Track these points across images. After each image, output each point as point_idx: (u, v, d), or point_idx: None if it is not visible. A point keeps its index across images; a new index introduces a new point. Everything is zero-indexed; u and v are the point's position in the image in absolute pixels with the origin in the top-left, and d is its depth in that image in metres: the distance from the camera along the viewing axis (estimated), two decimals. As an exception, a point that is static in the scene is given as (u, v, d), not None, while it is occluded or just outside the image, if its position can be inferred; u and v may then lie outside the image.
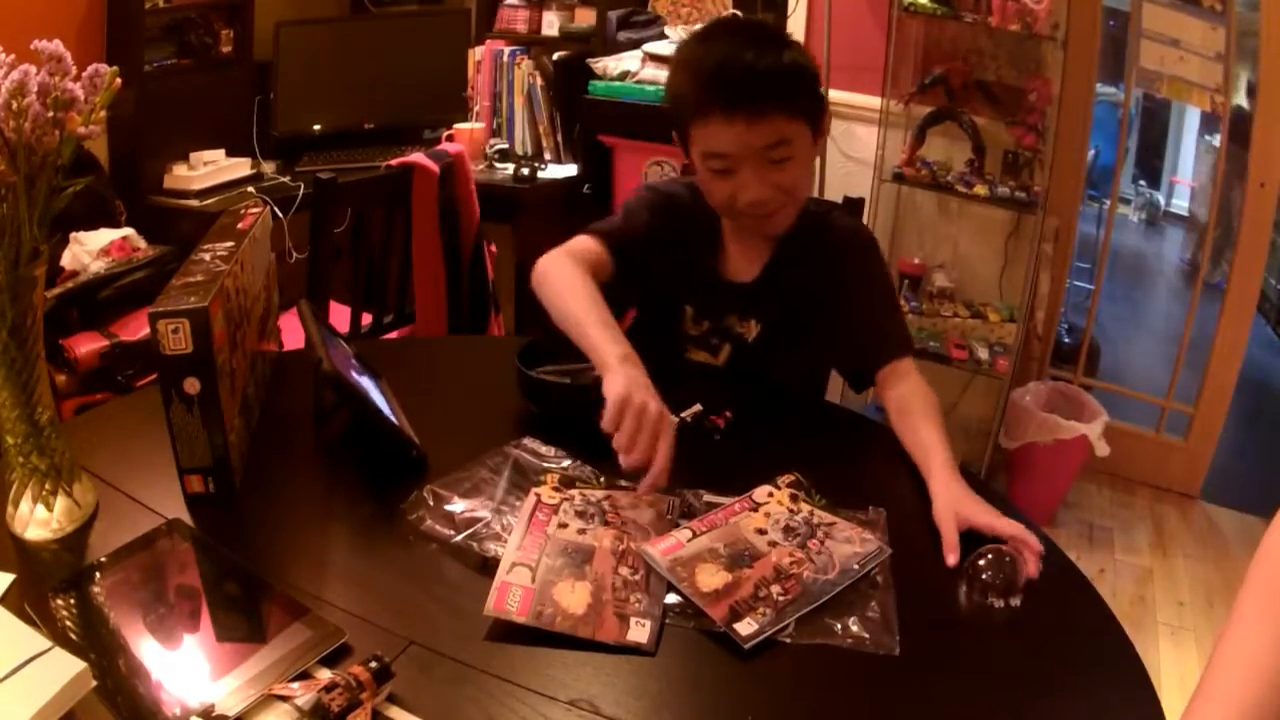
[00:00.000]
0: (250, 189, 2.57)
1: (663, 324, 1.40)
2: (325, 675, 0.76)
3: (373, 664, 0.76)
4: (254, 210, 1.24)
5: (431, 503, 0.99)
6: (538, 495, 1.00)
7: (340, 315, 2.23)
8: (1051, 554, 0.97)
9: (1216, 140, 2.70)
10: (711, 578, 0.90)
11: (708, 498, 1.03)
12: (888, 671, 0.82)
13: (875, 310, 1.32)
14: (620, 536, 0.95)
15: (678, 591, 0.89)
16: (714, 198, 1.27)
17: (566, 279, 1.23)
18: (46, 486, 0.94)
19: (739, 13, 2.81)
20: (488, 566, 0.92)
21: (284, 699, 0.73)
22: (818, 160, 2.83)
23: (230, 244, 1.11)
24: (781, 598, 0.88)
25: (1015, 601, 0.91)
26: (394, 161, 2.31)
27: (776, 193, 1.22)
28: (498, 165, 2.90)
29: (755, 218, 1.26)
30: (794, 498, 1.02)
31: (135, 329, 2.19)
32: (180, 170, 2.57)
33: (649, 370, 1.08)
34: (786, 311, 1.35)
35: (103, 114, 0.89)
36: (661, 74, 2.55)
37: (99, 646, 0.80)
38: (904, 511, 1.03)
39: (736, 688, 0.81)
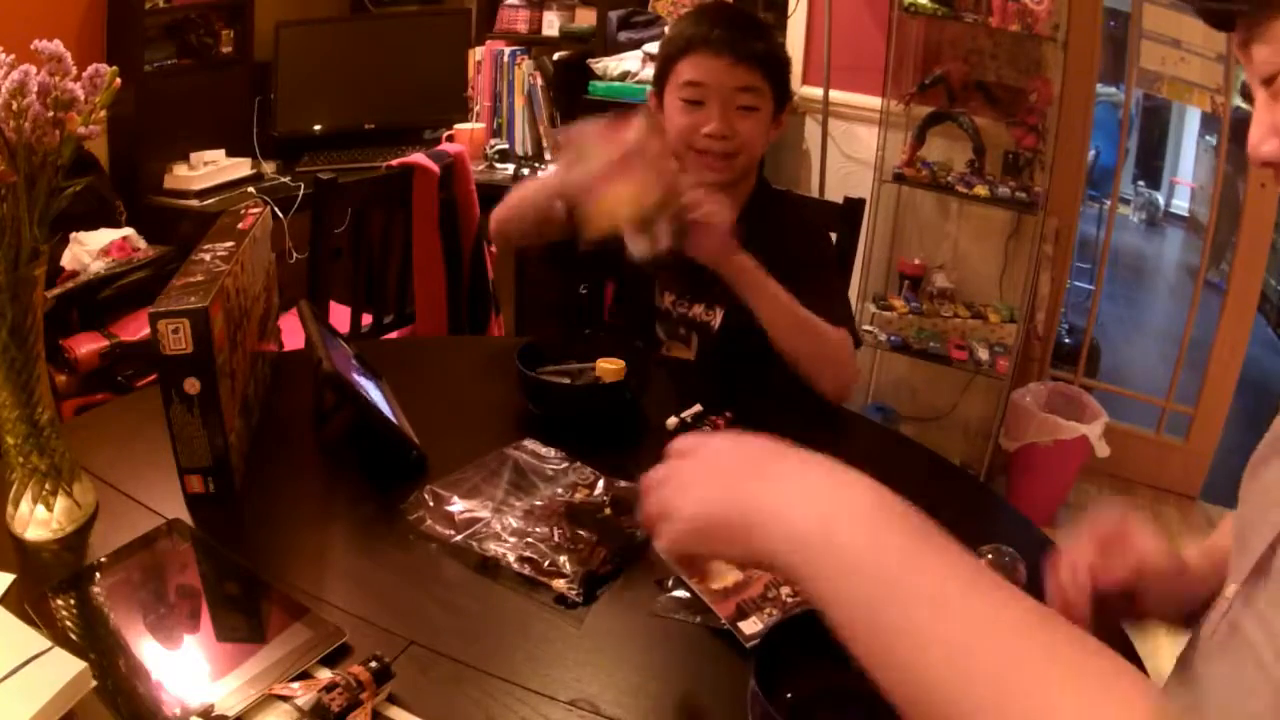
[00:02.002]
0: (250, 189, 2.57)
1: (639, 298, 1.47)
2: (325, 675, 0.76)
3: (373, 664, 0.76)
4: (254, 210, 1.24)
5: (431, 503, 0.99)
6: None
7: (340, 315, 2.23)
8: (1051, 554, 0.97)
9: (1217, 140, 2.71)
10: (723, 576, 0.90)
11: None
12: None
13: (811, 290, 1.34)
14: None
15: (687, 588, 0.89)
16: (678, 129, 1.37)
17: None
18: (46, 486, 0.94)
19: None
20: (487, 566, 0.92)
21: (284, 699, 0.73)
22: (818, 160, 2.84)
23: (230, 244, 1.11)
24: (790, 599, 0.88)
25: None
26: (394, 161, 2.31)
27: (735, 132, 1.34)
28: (498, 165, 2.90)
29: (706, 157, 1.36)
30: None
31: (135, 329, 2.19)
32: (180, 170, 2.57)
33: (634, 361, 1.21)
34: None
35: (103, 114, 0.89)
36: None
37: (99, 646, 0.80)
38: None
39: (738, 688, 0.81)
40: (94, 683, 0.74)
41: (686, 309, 1.43)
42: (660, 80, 1.40)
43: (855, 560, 0.52)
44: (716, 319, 1.40)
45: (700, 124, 1.33)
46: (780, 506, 0.56)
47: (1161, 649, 2.13)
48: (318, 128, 2.90)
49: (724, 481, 0.60)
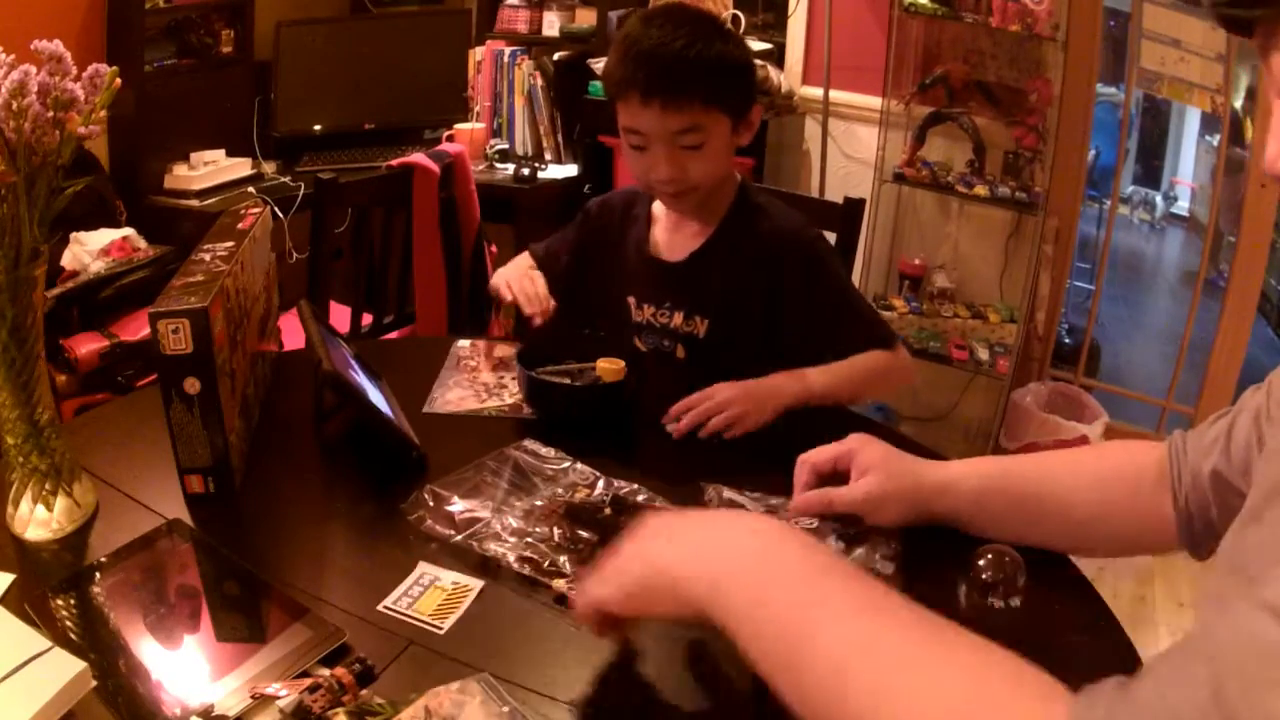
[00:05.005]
0: (250, 189, 2.57)
1: (614, 319, 1.45)
2: (325, 675, 0.76)
3: (355, 666, 0.76)
4: (254, 210, 1.24)
5: (431, 503, 0.99)
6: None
7: (340, 315, 2.23)
8: (1051, 554, 0.97)
9: (1217, 141, 2.71)
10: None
11: (728, 494, 1.02)
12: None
13: (829, 318, 1.32)
14: None
15: None
16: (633, 171, 1.33)
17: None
18: (46, 486, 0.94)
19: (738, 13, 2.81)
20: (488, 566, 0.92)
21: (266, 699, 0.73)
22: (818, 160, 2.84)
23: (230, 244, 1.11)
24: None
25: (1015, 602, 0.91)
26: (394, 161, 2.31)
27: (685, 175, 1.28)
28: (498, 165, 2.90)
29: (664, 196, 1.35)
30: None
31: (135, 329, 2.19)
32: (180, 170, 2.57)
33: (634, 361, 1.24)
34: (728, 305, 1.36)
35: (103, 114, 0.89)
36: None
37: (99, 646, 0.80)
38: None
39: (739, 689, 0.81)
40: (94, 683, 0.74)
41: (668, 319, 1.39)
42: (611, 106, 1.32)
43: (759, 595, 0.60)
44: (701, 329, 1.36)
45: (649, 168, 1.28)
46: (689, 559, 0.65)
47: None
48: (318, 128, 2.90)
49: (641, 552, 0.69)
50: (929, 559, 0.96)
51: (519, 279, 1.40)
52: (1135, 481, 0.88)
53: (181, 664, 0.79)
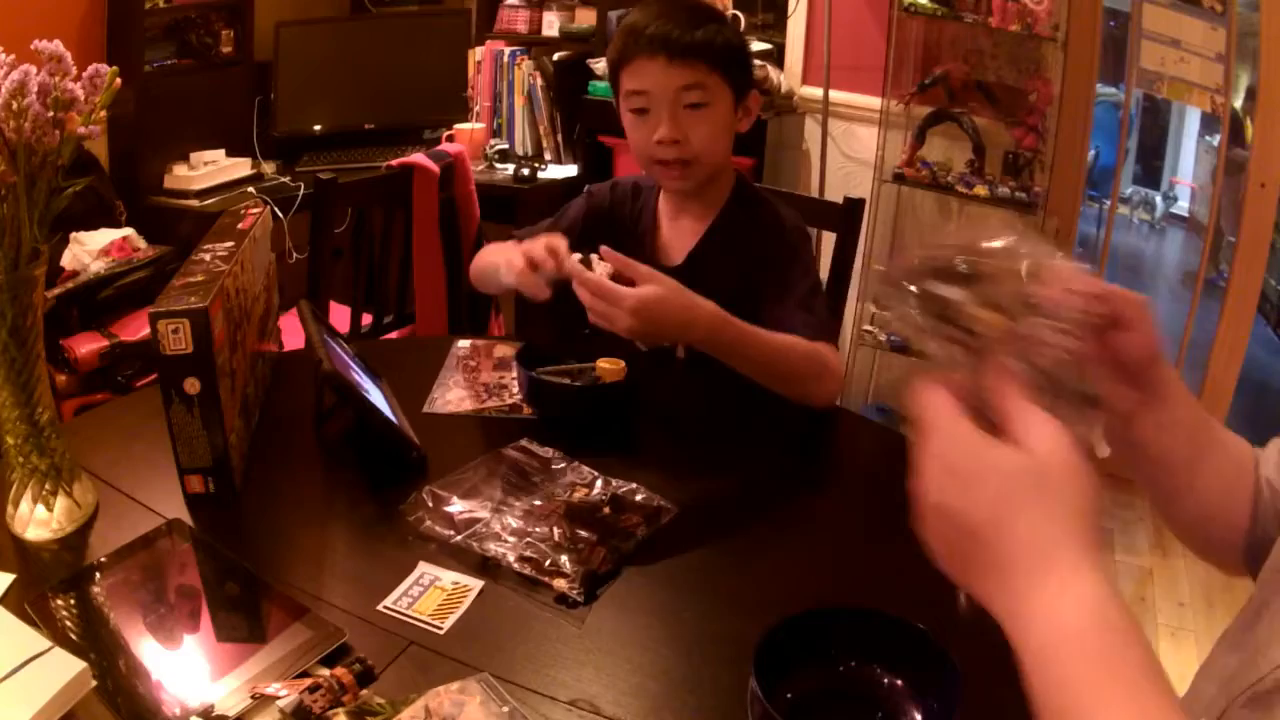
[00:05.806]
0: (250, 189, 2.57)
1: None
2: (324, 675, 0.76)
3: (355, 665, 0.76)
4: (254, 210, 1.24)
5: (431, 503, 0.99)
6: None
7: (340, 315, 2.23)
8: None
9: (1217, 141, 2.71)
10: None
11: None
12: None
13: (785, 302, 1.31)
14: None
15: None
16: (634, 142, 1.34)
17: (489, 251, 1.45)
18: (46, 486, 0.94)
19: (738, 13, 2.81)
20: (488, 566, 0.92)
21: (266, 699, 0.73)
22: (818, 160, 2.83)
23: (230, 244, 1.11)
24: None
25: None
26: (394, 161, 2.31)
27: (685, 138, 1.28)
28: (498, 165, 2.90)
29: (666, 168, 1.33)
30: None
31: (135, 329, 2.19)
32: (180, 170, 2.57)
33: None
34: (726, 303, 1.34)
35: (103, 114, 0.89)
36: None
37: (99, 646, 0.80)
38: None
39: (738, 688, 0.81)
40: (94, 683, 0.74)
41: None
42: (614, 88, 1.36)
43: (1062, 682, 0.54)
44: None
45: (651, 131, 1.29)
46: (1016, 617, 0.60)
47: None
48: (318, 128, 2.90)
49: (967, 575, 0.63)
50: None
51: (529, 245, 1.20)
52: (1240, 466, 0.81)
53: (181, 664, 0.80)
